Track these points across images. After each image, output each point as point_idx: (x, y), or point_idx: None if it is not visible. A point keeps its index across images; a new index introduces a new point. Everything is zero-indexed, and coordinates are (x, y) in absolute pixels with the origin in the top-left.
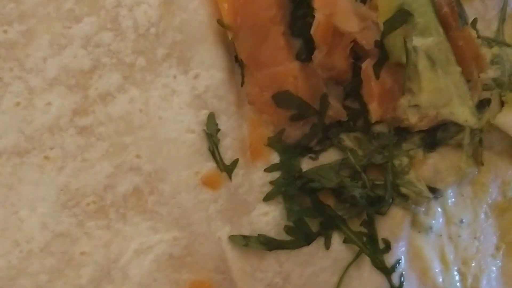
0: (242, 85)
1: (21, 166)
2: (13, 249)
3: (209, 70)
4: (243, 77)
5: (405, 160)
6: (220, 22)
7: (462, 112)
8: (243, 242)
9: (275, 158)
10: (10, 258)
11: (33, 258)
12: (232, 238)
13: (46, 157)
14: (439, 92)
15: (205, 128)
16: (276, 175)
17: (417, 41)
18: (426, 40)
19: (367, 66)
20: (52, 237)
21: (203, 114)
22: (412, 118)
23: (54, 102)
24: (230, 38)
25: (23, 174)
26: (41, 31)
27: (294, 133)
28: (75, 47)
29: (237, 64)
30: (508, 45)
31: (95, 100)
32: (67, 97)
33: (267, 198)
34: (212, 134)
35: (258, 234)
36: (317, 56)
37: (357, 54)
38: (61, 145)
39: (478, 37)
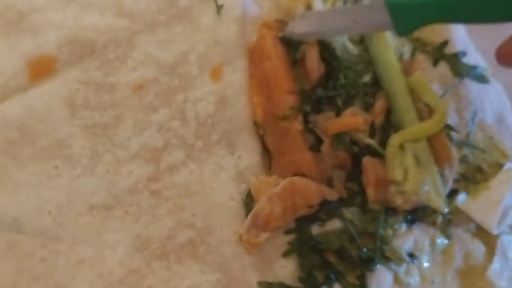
0: (270, 169)
1: (107, 217)
2: (98, 280)
3: (249, 153)
4: (270, 162)
5: (390, 232)
6: (255, 122)
7: (437, 200)
8: (269, 287)
9: (292, 223)
10: (96, 287)
11: None
12: (260, 284)
13: (126, 212)
14: (420, 184)
15: (244, 198)
16: (292, 237)
17: (408, 145)
18: (417, 145)
19: (367, 160)
20: (127, 272)
21: (243, 187)
22: (399, 201)
23: (135, 171)
24: (261, 133)
25: (108, 223)
26: (127, 117)
27: None
28: (152, 130)
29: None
30: (474, 147)
31: (164, 171)
32: (144, 167)
33: (286, 254)
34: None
35: (279, 282)
36: (324, 148)
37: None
38: (137, 203)
39: (451, 141)
